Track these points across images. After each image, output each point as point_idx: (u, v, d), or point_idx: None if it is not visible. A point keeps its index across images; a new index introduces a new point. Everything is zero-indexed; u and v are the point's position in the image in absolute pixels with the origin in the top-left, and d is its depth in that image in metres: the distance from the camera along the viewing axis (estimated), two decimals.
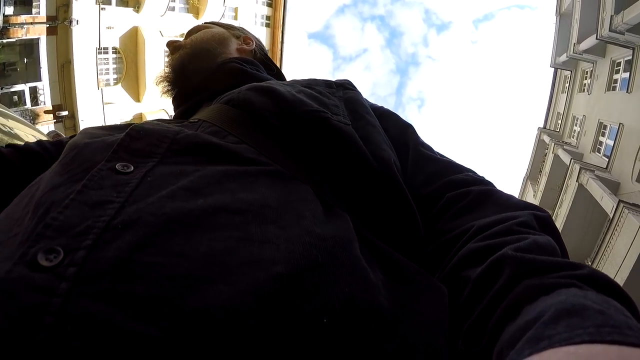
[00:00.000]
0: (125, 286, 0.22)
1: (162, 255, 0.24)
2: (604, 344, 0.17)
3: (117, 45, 9.18)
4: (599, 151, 8.81)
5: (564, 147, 9.71)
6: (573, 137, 10.60)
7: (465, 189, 0.41)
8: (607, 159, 7.76)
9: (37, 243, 0.23)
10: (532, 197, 11.25)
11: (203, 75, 0.57)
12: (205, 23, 0.68)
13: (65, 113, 8.23)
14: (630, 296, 0.24)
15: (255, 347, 0.21)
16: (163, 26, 9.70)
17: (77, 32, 7.98)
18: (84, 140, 0.36)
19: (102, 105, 8.80)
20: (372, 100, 0.57)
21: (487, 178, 0.44)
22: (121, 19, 9.04)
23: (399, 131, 0.49)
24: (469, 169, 0.45)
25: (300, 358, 0.22)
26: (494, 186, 0.43)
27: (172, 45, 0.63)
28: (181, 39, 0.65)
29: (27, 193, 0.33)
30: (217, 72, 0.56)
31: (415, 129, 0.50)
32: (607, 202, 6.38)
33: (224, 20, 10.56)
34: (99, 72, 8.75)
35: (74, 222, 0.25)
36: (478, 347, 0.26)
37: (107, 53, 9.06)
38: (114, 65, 9.33)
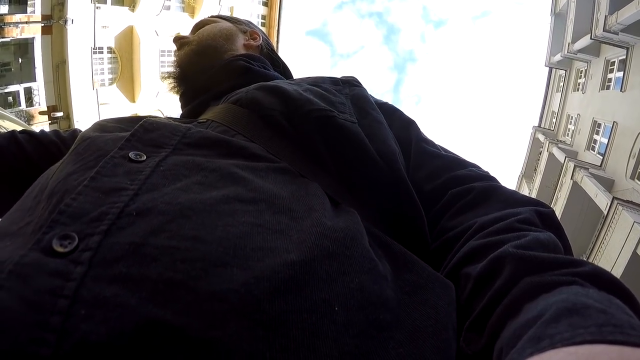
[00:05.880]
0: (140, 270, 0.22)
1: (177, 239, 0.24)
2: (605, 343, 0.16)
3: (112, 45, 9.08)
4: (593, 149, 8.86)
5: (559, 145, 9.76)
6: (567, 136, 10.65)
7: (469, 184, 0.40)
8: (601, 157, 7.81)
9: (52, 229, 0.23)
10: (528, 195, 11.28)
11: (210, 73, 0.56)
12: (211, 16, 0.67)
13: (60, 114, 8.12)
14: (633, 294, 0.23)
15: (268, 332, 0.21)
16: (158, 25, 9.61)
17: (72, 31, 7.87)
18: (97, 132, 0.37)
19: (97, 106, 8.70)
20: None
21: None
22: (116, 18, 8.93)
23: (402, 127, 0.49)
24: (473, 164, 0.45)
25: (313, 345, 0.22)
26: (498, 182, 0.42)
27: (179, 41, 0.61)
28: (188, 34, 0.64)
29: (38, 183, 0.33)
30: (224, 70, 0.56)
31: (418, 124, 0.50)
32: (602, 199, 6.42)
33: None
34: (94, 72, 8.64)
35: (87, 208, 0.25)
36: (478, 345, 0.26)
37: (102, 53, 8.95)
38: (109, 65, 9.22)
